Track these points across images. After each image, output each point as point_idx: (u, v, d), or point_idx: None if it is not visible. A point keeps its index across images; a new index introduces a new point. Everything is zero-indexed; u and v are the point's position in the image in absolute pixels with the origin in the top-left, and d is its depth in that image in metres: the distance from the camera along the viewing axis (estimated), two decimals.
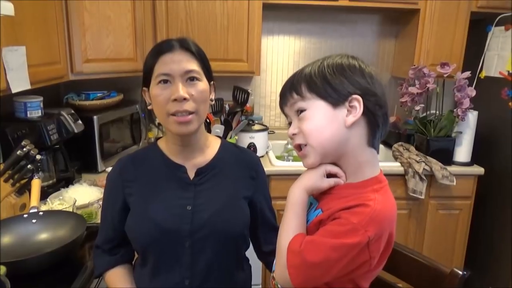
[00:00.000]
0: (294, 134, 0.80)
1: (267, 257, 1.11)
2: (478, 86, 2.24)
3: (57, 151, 1.75)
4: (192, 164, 1.04)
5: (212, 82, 1.03)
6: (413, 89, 2.17)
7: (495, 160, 2.27)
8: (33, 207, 1.32)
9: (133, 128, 2.35)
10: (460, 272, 0.97)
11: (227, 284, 1.02)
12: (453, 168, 2.18)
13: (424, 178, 2.10)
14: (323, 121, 0.76)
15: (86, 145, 1.98)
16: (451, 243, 2.30)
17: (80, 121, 1.85)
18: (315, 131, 0.76)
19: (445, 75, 2.14)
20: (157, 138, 1.12)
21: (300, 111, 0.78)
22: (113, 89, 2.29)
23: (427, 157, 2.19)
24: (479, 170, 2.22)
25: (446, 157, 2.21)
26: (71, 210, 1.40)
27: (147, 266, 1.00)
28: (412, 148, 2.29)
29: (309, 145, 0.77)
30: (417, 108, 2.20)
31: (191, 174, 1.03)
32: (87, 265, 1.19)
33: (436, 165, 2.13)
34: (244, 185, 1.07)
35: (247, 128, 2.25)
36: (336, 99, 0.75)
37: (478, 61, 2.34)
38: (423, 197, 2.11)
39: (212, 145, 1.09)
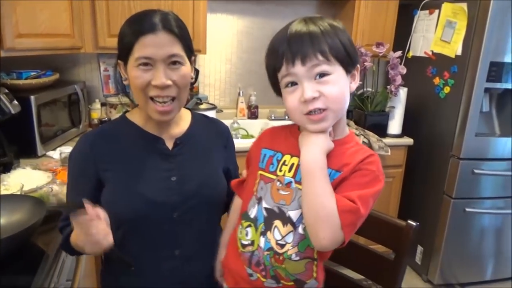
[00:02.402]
0: (314, 98, 0.76)
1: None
2: (406, 65, 2.45)
3: None
4: (169, 136, 1.03)
5: (193, 58, 1.01)
6: None
7: (421, 131, 2.53)
8: None
9: (71, 110, 2.20)
10: (414, 224, 1.10)
11: (214, 250, 1.05)
12: (387, 140, 2.39)
13: None
14: (344, 87, 0.79)
15: (22, 128, 1.82)
16: (385, 208, 2.53)
17: (16, 102, 1.70)
18: (341, 97, 0.78)
19: (380, 54, 2.32)
20: (125, 112, 1.08)
21: (323, 74, 0.77)
22: (46, 68, 2.13)
23: (365, 130, 2.37)
24: (409, 141, 2.47)
25: (381, 130, 2.42)
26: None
27: (132, 242, 0.98)
28: (352, 123, 2.47)
29: (330, 109, 0.78)
30: None
31: (169, 146, 1.03)
32: (48, 253, 1.12)
33: (373, 138, 2.32)
34: (219, 155, 1.10)
35: (196, 107, 2.24)
36: (351, 66, 0.80)
37: (406, 42, 2.56)
38: None
39: (184, 117, 1.10)
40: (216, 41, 2.61)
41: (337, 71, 0.78)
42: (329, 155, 0.81)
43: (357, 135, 2.30)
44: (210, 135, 1.11)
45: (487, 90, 2.19)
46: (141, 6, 2.09)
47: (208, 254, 1.04)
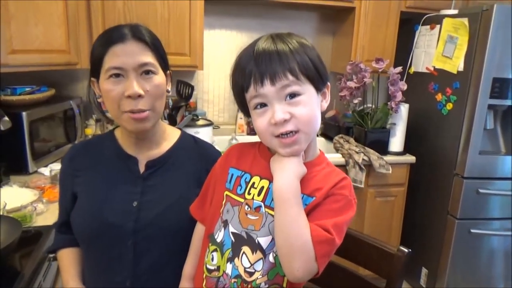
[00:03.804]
0: (285, 120, 0.72)
1: None
2: (408, 81, 2.40)
3: None
4: (146, 157, 0.99)
5: (168, 72, 0.97)
6: (352, 83, 2.28)
7: (424, 148, 2.45)
8: None
9: (67, 126, 2.19)
10: (406, 250, 1.03)
11: (175, 283, 0.95)
12: (388, 158, 2.32)
13: (363, 167, 2.21)
14: (315, 107, 0.76)
15: (13, 144, 1.81)
16: (387, 228, 2.45)
17: (7, 118, 1.68)
18: (312, 117, 0.74)
19: (380, 70, 2.28)
20: (115, 127, 1.06)
21: (294, 95, 0.73)
22: (43, 83, 2.12)
23: (366, 147, 2.31)
24: (411, 158, 2.39)
25: (382, 147, 2.35)
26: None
27: (88, 261, 0.96)
28: (352, 140, 2.40)
29: (302, 132, 0.74)
30: (356, 101, 2.31)
31: (142, 167, 0.98)
32: (24, 273, 1.08)
33: (373, 155, 2.25)
34: (198, 180, 0.99)
35: (192, 123, 2.21)
36: (322, 85, 0.77)
37: (407, 58, 2.51)
38: (362, 186, 2.23)
39: (169, 138, 1.04)
40: (215, 57, 2.60)
41: (308, 91, 0.74)
42: (301, 179, 0.76)
43: (357, 152, 2.23)
44: (192, 159, 1.03)
45: (491, 107, 2.12)
46: (138, 20, 2.09)
47: (163, 286, 0.95)
